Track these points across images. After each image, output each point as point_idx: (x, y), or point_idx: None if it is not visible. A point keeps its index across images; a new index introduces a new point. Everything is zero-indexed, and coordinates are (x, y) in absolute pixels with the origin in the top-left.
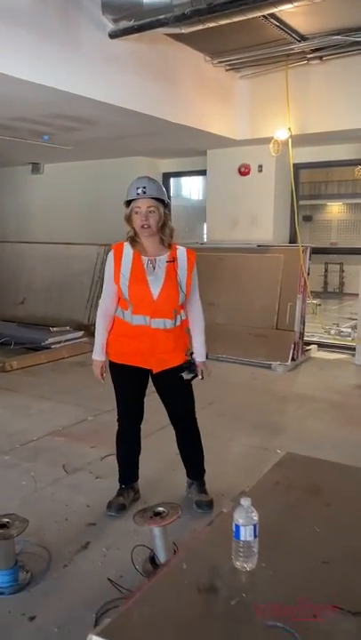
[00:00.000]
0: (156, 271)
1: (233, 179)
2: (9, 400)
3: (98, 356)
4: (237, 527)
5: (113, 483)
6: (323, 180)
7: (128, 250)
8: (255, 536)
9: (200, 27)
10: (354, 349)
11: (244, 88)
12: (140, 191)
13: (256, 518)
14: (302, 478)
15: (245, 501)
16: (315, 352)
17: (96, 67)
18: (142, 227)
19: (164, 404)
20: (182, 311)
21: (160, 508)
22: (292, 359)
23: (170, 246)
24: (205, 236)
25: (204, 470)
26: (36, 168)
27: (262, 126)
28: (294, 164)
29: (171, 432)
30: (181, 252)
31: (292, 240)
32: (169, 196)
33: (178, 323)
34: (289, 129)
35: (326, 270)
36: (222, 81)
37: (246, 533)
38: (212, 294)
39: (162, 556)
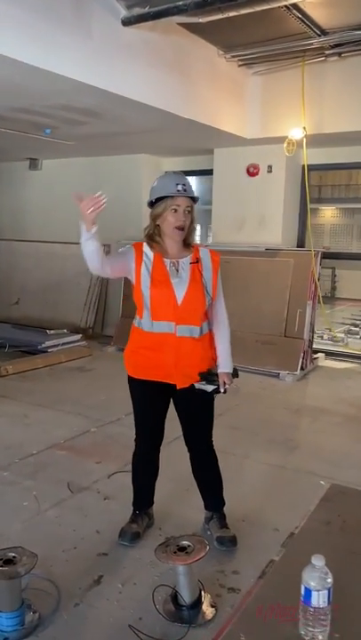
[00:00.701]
0: (180, 273)
1: (241, 179)
2: (4, 408)
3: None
4: (308, 591)
5: (123, 505)
6: (316, 184)
7: (149, 251)
8: (329, 602)
9: (219, 16)
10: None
11: (257, 85)
12: (180, 188)
13: (330, 581)
14: (357, 516)
15: (318, 560)
16: (322, 361)
17: (107, 55)
18: (178, 227)
19: (182, 424)
20: (208, 319)
21: (184, 542)
22: (301, 368)
23: (190, 246)
24: (210, 238)
25: (224, 501)
26: (33, 164)
27: (274, 125)
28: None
29: (182, 446)
30: (205, 252)
31: (301, 244)
32: None
33: (205, 330)
34: (304, 128)
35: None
36: (235, 76)
37: (319, 599)
38: None
39: (187, 596)
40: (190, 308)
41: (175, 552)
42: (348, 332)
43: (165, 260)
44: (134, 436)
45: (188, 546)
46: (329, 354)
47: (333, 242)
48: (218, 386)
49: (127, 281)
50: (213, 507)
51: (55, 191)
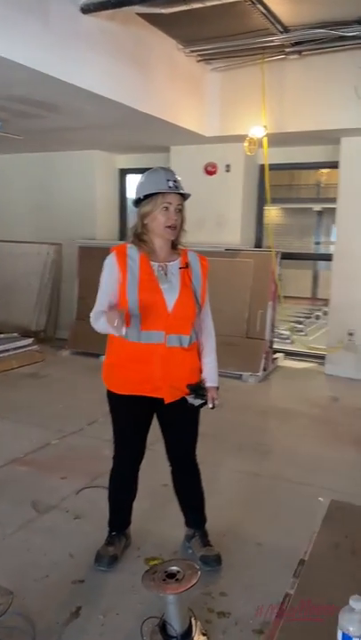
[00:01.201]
0: (169, 278)
1: (199, 178)
2: None
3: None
4: (347, 638)
5: (96, 524)
6: None
7: (134, 253)
8: None
9: (183, 7)
10: (321, 358)
11: (215, 81)
12: (171, 184)
13: None
14: None
15: (358, 603)
16: (282, 361)
17: (66, 44)
18: (169, 227)
19: (165, 437)
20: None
21: (173, 568)
22: (263, 369)
23: (178, 249)
24: None
25: (206, 518)
26: None
27: (233, 123)
28: (262, 165)
29: (156, 456)
30: (193, 256)
31: (258, 244)
32: None
33: (193, 339)
34: (265, 127)
35: None
36: (193, 72)
37: None
38: None
39: (177, 626)
40: (181, 315)
41: (164, 579)
42: (294, 330)
43: (153, 263)
44: (110, 452)
45: (178, 572)
46: (288, 354)
47: (276, 242)
48: (206, 400)
49: (83, 281)
50: (196, 524)
51: (2, 188)
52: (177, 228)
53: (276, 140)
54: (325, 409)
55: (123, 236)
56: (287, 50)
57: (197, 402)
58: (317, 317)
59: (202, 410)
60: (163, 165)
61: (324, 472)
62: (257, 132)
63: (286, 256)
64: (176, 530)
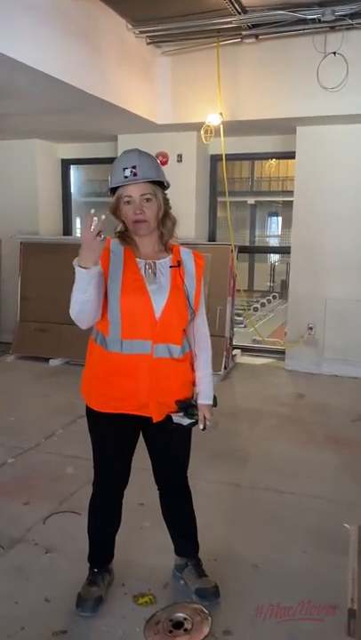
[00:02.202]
0: (157, 278)
1: None
2: None
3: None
4: None
5: (71, 558)
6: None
7: (117, 248)
8: None
9: None
10: (279, 353)
11: (166, 66)
12: (128, 173)
13: None
14: None
15: None
16: (240, 357)
17: (9, 17)
18: (136, 222)
19: (153, 460)
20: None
21: (179, 615)
22: (224, 367)
23: (168, 246)
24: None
25: (199, 545)
26: None
27: (185, 110)
28: (213, 156)
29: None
30: (187, 254)
31: (212, 238)
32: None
33: (186, 349)
34: (220, 114)
35: None
36: (144, 55)
37: None
38: None
39: None
40: (171, 322)
41: (170, 631)
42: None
43: (139, 260)
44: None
45: (185, 619)
46: (245, 349)
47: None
48: (196, 420)
49: (26, 280)
50: (188, 553)
51: None
52: (149, 221)
53: (231, 128)
54: (293, 407)
55: (67, 230)
56: (244, 33)
57: (186, 421)
58: (255, 309)
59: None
60: (109, 155)
61: (304, 478)
62: (213, 119)
63: (243, 249)
64: (162, 557)
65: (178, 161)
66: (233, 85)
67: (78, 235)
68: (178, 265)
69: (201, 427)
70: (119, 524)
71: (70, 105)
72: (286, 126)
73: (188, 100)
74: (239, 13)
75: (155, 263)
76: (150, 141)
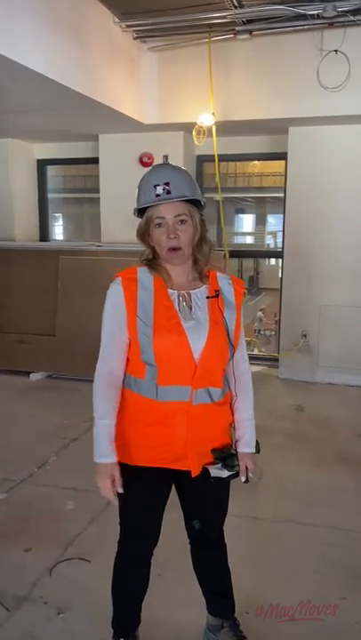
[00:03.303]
0: (194, 313)
1: (133, 170)
2: None
3: (105, 456)
4: None
5: (87, 618)
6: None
7: (146, 278)
8: None
9: None
10: (272, 360)
11: (153, 63)
12: (160, 190)
13: None
14: None
15: None
16: None
17: None
18: (171, 250)
19: (186, 512)
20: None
21: None
22: None
23: (203, 273)
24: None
25: (235, 604)
26: None
27: (173, 110)
28: (199, 157)
29: None
30: (224, 280)
31: None
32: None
33: (226, 391)
34: (213, 114)
35: None
36: (131, 51)
37: None
38: None
39: None
40: (212, 364)
41: None
42: None
43: (171, 291)
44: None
45: None
46: None
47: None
48: (237, 472)
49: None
50: (225, 613)
51: None
52: (183, 248)
53: (221, 128)
54: (295, 422)
55: (44, 236)
56: (238, 28)
57: (225, 473)
58: None
59: None
60: (87, 155)
61: (324, 507)
62: (205, 120)
63: (234, 254)
64: (191, 613)
65: (164, 162)
66: (225, 84)
67: (57, 238)
68: (216, 295)
69: (243, 479)
70: (147, 585)
71: (51, 102)
72: (278, 127)
73: (175, 99)
74: (235, 7)
75: (189, 294)
76: (134, 141)
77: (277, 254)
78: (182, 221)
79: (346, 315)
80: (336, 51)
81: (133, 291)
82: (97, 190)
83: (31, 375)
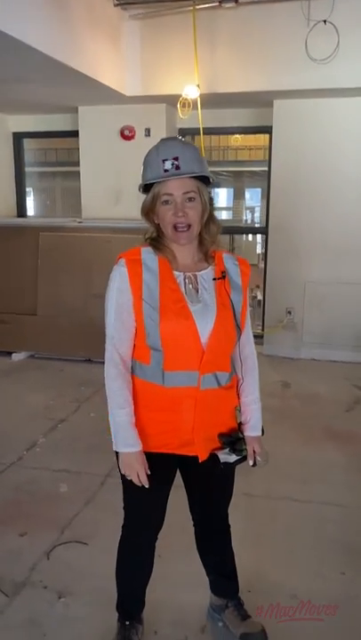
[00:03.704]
0: (200, 295)
1: (113, 143)
2: None
3: (131, 445)
4: None
5: (89, 601)
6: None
7: (151, 259)
8: None
9: None
10: (256, 337)
11: (134, 31)
12: (168, 166)
13: None
14: None
15: None
16: None
17: None
18: (177, 227)
19: (191, 496)
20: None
21: None
22: None
23: (209, 253)
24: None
25: (238, 584)
26: None
27: (156, 81)
28: (181, 129)
29: None
30: (230, 261)
31: None
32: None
33: (233, 374)
34: (198, 86)
35: None
36: (112, 18)
37: None
38: (99, 285)
39: None
40: (220, 348)
41: None
42: None
43: (177, 273)
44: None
45: None
46: None
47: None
48: (245, 456)
49: None
50: (229, 593)
51: None
52: (192, 225)
53: (205, 101)
54: (282, 398)
55: (21, 211)
56: None
57: (233, 458)
58: None
59: None
60: (70, 128)
61: (316, 483)
62: (190, 92)
63: (226, 231)
64: (193, 593)
65: (145, 135)
66: (209, 55)
67: (32, 214)
68: (223, 276)
69: (251, 463)
70: (151, 571)
71: (28, 71)
72: (263, 99)
73: (158, 70)
74: None
75: (195, 276)
76: (115, 114)
77: (260, 230)
78: (191, 199)
79: (331, 291)
80: (325, 21)
81: (138, 273)
82: (76, 164)
83: (13, 355)
